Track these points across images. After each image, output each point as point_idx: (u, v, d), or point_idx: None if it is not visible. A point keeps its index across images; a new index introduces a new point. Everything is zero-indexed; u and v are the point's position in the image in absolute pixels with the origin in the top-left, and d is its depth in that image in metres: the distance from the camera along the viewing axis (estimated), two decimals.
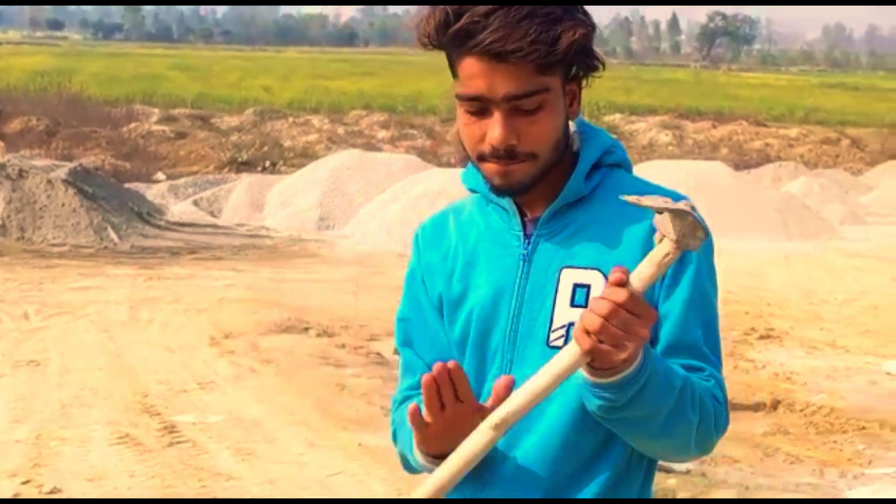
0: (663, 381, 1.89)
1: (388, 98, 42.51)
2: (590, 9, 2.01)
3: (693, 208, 1.78)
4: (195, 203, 19.52)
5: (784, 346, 10.52)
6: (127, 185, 19.77)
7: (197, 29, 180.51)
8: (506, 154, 1.97)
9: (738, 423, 7.85)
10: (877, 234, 18.83)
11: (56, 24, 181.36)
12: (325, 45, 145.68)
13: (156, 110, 34.80)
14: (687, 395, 1.93)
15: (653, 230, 1.97)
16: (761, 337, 10.77)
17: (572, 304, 2.02)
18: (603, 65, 2.05)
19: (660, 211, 1.79)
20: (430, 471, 2.02)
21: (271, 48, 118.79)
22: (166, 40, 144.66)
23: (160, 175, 23.74)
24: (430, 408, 1.93)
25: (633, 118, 38.91)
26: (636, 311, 1.77)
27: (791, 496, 6.69)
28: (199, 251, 15.38)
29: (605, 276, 1.99)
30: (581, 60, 2.01)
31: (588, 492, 2.04)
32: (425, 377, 1.91)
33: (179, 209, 19.04)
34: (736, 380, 9.09)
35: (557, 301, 2.04)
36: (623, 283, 1.78)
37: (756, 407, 8.41)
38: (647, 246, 2.00)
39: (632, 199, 1.82)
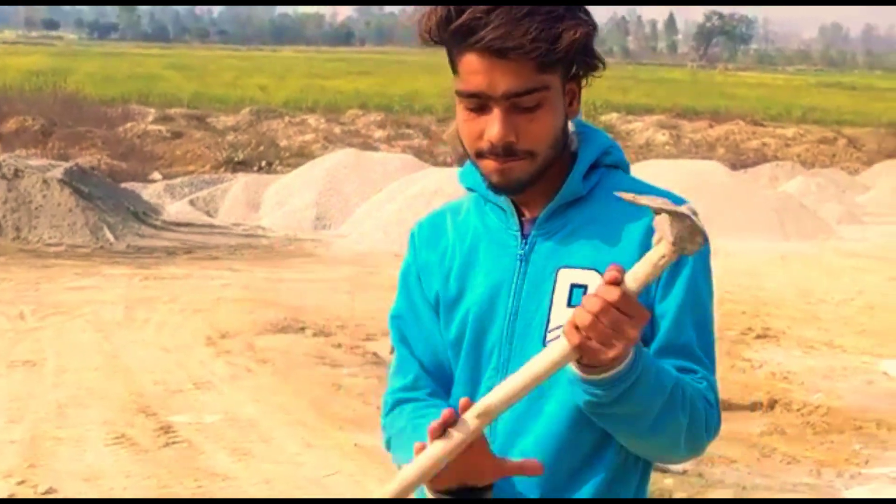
0: (654, 380, 1.88)
1: (384, 97, 42.51)
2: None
3: (694, 212, 1.77)
4: (191, 203, 19.50)
5: (781, 346, 10.51)
6: (123, 185, 19.76)
7: (193, 28, 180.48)
8: (504, 151, 1.97)
9: (734, 423, 7.86)
10: (874, 234, 18.84)
11: (51, 24, 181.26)
12: (321, 44, 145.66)
13: (152, 110, 34.76)
14: (678, 395, 1.93)
15: (650, 231, 1.97)
16: (758, 336, 10.76)
17: (569, 305, 2.02)
18: (603, 64, 2.05)
19: (657, 211, 1.78)
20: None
21: (267, 47, 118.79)
22: (162, 40, 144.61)
23: (156, 175, 23.72)
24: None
25: (629, 118, 38.92)
26: (628, 310, 1.78)
27: (788, 496, 6.69)
28: (196, 251, 15.36)
29: (602, 276, 2.00)
30: (581, 59, 2.01)
31: (585, 491, 2.04)
32: (434, 426, 1.85)
33: (175, 209, 19.02)
34: (733, 379, 9.09)
35: (554, 301, 2.04)
36: (617, 282, 1.78)
37: (753, 407, 8.41)
38: (645, 247, 2.00)
39: (628, 196, 1.82)
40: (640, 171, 18.43)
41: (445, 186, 15.65)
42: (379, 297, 10.88)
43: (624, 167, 2.17)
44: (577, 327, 1.79)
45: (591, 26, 1.97)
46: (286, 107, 38.17)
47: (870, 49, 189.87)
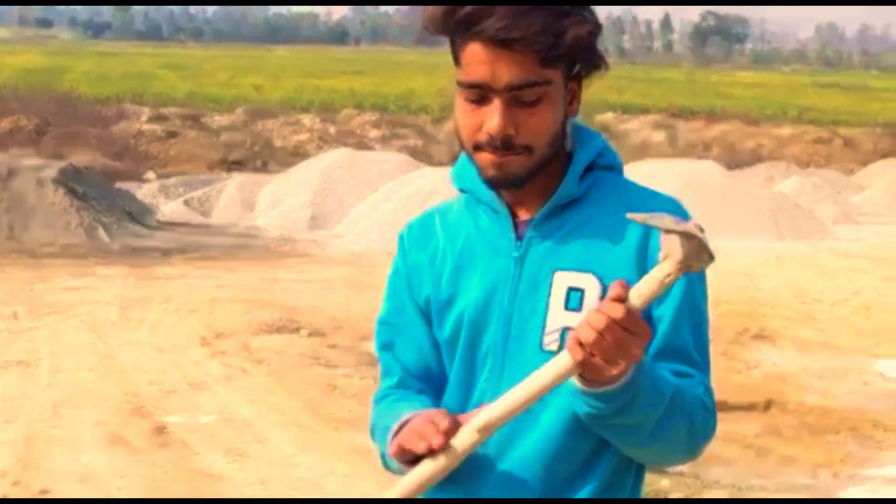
0: (653, 390, 1.88)
1: (379, 97, 42.47)
2: None
3: (701, 229, 1.75)
4: (186, 203, 19.48)
5: (777, 347, 10.51)
6: (117, 185, 19.72)
7: (187, 27, 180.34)
8: (502, 144, 1.96)
9: (730, 424, 7.85)
10: (869, 234, 18.86)
11: (45, 23, 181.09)
12: (316, 43, 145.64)
13: (146, 109, 34.67)
14: (677, 404, 1.92)
15: (647, 235, 1.99)
16: (754, 337, 10.76)
17: (566, 308, 2.01)
18: (606, 65, 2.04)
19: (666, 231, 1.76)
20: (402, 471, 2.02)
21: (262, 47, 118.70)
22: (156, 39, 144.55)
23: (151, 174, 23.70)
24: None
25: (625, 117, 38.91)
26: (632, 328, 1.76)
27: (784, 497, 6.68)
28: (190, 251, 15.34)
29: (599, 280, 2.00)
30: (584, 57, 2.00)
31: (580, 496, 2.03)
32: (437, 443, 1.90)
33: (170, 209, 19.01)
34: (729, 380, 9.08)
35: (551, 304, 2.02)
36: (622, 299, 1.76)
37: (749, 407, 8.40)
38: (642, 251, 2.01)
39: (638, 217, 1.81)
40: (636, 170, 18.43)
41: (441, 186, 15.64)
42: (374, 298, 10.79)
43: (618, 169, 2.15)
44: (580, 343, 1.78)
45: (596, 25, 1.97)
46: (281, 106, 38.11)
47: (866, 49, 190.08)
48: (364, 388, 8.29)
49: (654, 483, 6.50)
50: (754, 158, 29.64)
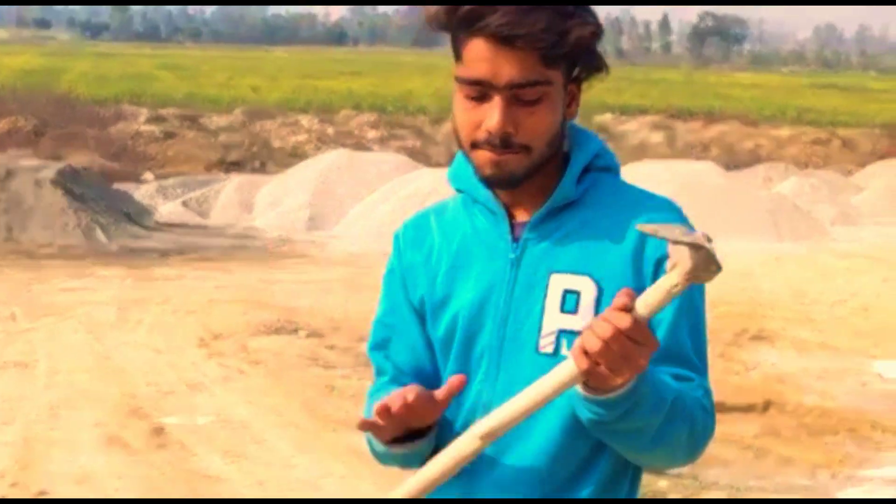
0: (655, 396, 1.87)
1: (377, 98, 42.44)
2: None
3: (709, 240, 1.74)
4: (184, 204, 19.48)
5: (775, 347, 10.51)
6: (115, 186, 19.72)
7: (185, 28, 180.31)
8: (501, 143, 1.95)
9: (729, 425, 7.85)
10: (868, 235, 18.86)
11: (43, 23, 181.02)
12: (314, 44, 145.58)
13: (144, 110, 34.66)
14: (678, 408, 1.92)
15: (643, 239, 1.99)
16: (752, 338, 10.76)
17: (562, 310, 2.01)
18: (606, 68, 2.04)
19: (675, 242, 1.75)
20: (390, 455, 2.06)
21: (260, 48, 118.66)
22: (154, 40, 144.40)
23: (148, 175, 23.68)
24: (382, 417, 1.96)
25: (623, 118, 38.89)
26: (639, 338, 1.75)
27: (782, 497, 6.68)
28: (188, 252, 15.34)
29: (595, 282, 2.00)
30: (586, 59, 2.00)
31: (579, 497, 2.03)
32: (360, 424, 1.96)
33: (168, 210, 19.00)
34: (727, 381, 9.08)
35: (547, 306, 2.02)
36: (628, 309, 1.75)
37: (747, 408, 8.39)
38: (638, 254, 2.01)
39: (649, 229, 1.80)
40: (635, 171, 18.43)
41: (439, 187, 15.64)
42: (372, 299, 10.74)
43: (615, 171, 2.15)
44: (586, 352, 1.77)
45: (598, 27, 1.97)
46: (279, 107, 38.09)
47: (864, 50, 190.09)
48: (362, 389, 8.28)
49: (652, 484, 6.50)
50: (753, 159, 29.63)
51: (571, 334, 1.99)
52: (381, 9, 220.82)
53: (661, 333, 1.99)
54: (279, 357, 9.21)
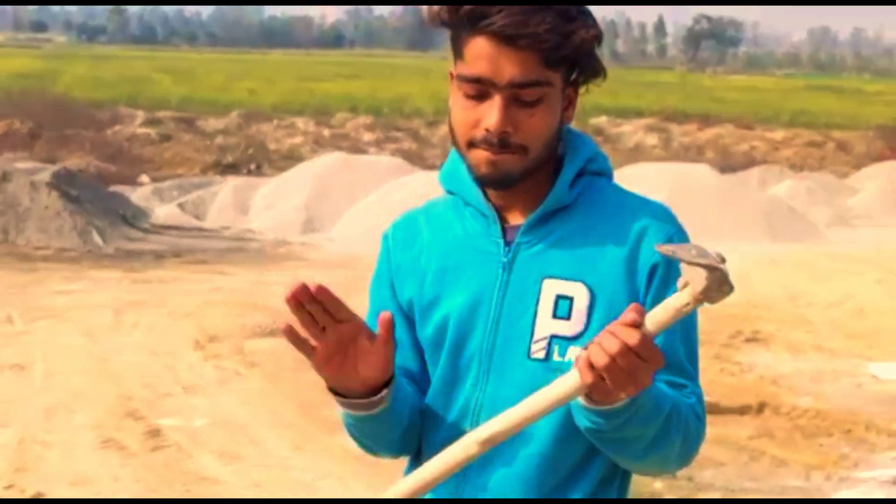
0: (653, 406, 1.87)
1: (373, 101, 42.47)
2: None
3: (723, 260, 1.74)
4: (180, 206, 19.48)
5: (770, 349, 10.52)
6: (111, 188, 19.74)
7: (181, 31, 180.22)
8: (498, 142, 1.95)
9: (724, 427, 7.87)
10: (863, 237, 18.87)
11: (40, 26, 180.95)
12: (310, 47, 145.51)
13: (140, 113, 34.70)
14: (674, 417, 1.92)
15: (638, 245, 1.99)
16: (747, 340, 10.77)
17: (554, 316, 2.00)
18: (604, 72, 2.04)
19: (690, 263, 1.74)
20: (351, 418, 2.04)
21: (256, 50, 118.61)
22: (151, 42, 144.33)
23: (144, 178, 23.69)
24: (306, 328, 1.92)
25: (619, 121, 38.94)
26: (645, 355, 1.74)
27: (777, 499, 6.69)
28: (184, 254, 15.34)
29: (589, 288, 1.99)
30: (585, 63, 2.00)
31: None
32: (286, 295, 1.88)
33: (164, 212, 19.00)
34: (722, 383, 9.10)
35: (539, 312, 2.01)
36: (637, 325, 1.74)
37: (742, 410, 8.40)
38: (632, 260, 2.01)
39: (666, 250, 1.78)
40: (630, 174, 18.45)
41: (435, 190, 15.42)
42: (368, 301, 10.86)
43: (608, 175, 2.14)
44: (591, 365, 1.76)
45: (600, 32, 1.97)
46: (275, 110, 38.13)
47: (858, 52, 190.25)
48: None
49: (648, 485, 6.51)
50: (748, 162, 29.65)
51: (563, 340, 1.99)
52: (378, 11, 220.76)
53: (655, 340, 1.99)
54: (275, 359, 9.20)
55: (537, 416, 1.82)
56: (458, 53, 1.99)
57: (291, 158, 26.51)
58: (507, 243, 2.06)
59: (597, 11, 2.00)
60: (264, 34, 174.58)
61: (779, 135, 37.63)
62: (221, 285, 12.81)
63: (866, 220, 21.45)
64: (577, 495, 2.02)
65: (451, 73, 2.03)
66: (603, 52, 2.04)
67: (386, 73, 64.24)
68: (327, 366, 1.96)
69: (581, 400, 1.85)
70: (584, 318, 1.99)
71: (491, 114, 1.94)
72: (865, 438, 7.94)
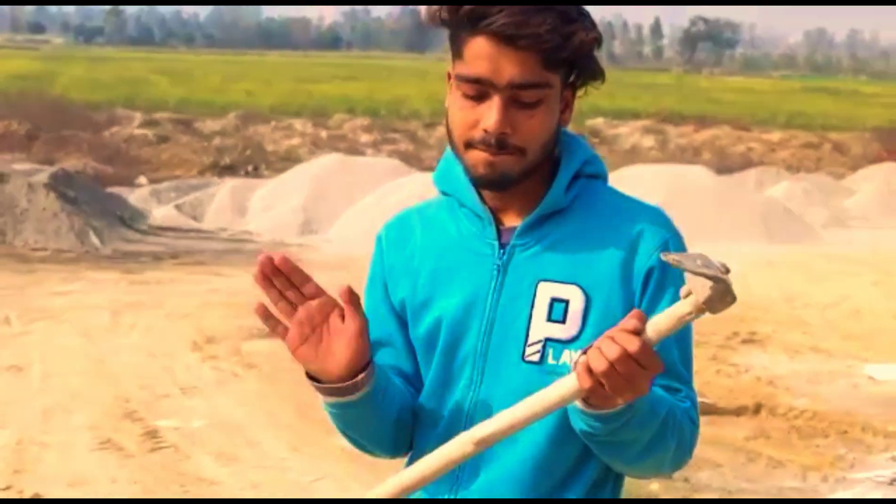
0: (649, 410, 1.87)
1: (371, 102, 42.48)
2: None
3: (727, 270, 1.74)
4: (177, 207, 19.48)
5: (767, 351, 10.53)
6: (109, 190, 19.73)
7: (179, 32, 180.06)
8: (497, 143, 1.94)
9: (720, 428, 7.88)
10: (859, 239, 18.89)
11: (37, 28, 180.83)
12: (307, 48, 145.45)
13: (138, 114, 34.70)
14: (669, 422, 1.93)
15: (633, 250, 1.99)
16: (744, 341, 10.78)
17: (549, 319, 1.99)
18: (603, 75, 2.04)
19: (695, 273, 1.73)
20: (333, 407, 2.03)
21: (254, 52, 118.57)
22: (148, 44, 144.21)
23: (142, 179, 23.69)
24: (277, 306, 1.94)
25: (615, 122, 38.97)
26: (645, 362, 1.74)
27: (774, 499, 6.70)
28: (182, 256, 15.34)
29: (584, 291, 1.99)
30: (584, 65, 2.00)
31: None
32: (254, 273, 1.92)
33: (162, 213, 18.99)
34: (718, 384, 9.11)
35: (534, 315, 2.00)
36: (638, 332, 1.74)
37: (738, 411, 8.41)
38: (627, 264, 2.00)
39: (671, 258, 1.77)
40: (626, 175, 18.46)
41: (432, 191, 15.59)
42: None
43: (603, 178, 2.14)
44: (590, 370, 1.76)
45: (600, 34, 1.97)
46: (273, 111, 38.15)
47: (855, 54, 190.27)
48: None
49: (644, 486, 6.52)
50: (744, 163, 29.67)
51: (558, 343, 1.99)
52: (375, 13, 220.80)
53: None
54: (273, 360, 9.20)
55: (533, 419, 1.82)
56: (456, 53, 1.98)
57: (289, 160, 26.52)
58: (502, 245, 2.05)
59: (593, 12, 2.00)
60: (262, 36, 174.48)
61: (775, 136, 37.65)
62: (219, 287, 12.81)
63: (863, 222, 21.47)
64: (571, 497, 2.02)
65: (449, 73, 2.03)
66: (600, 54, 2.04)
67: (383, 75, 64.24)
68: (302, 347, 1.97)
69: (578, 404, 1.85)
70: (578, 322, 1.98)
71: (490, 114, 1.93)
72: (862, 439, 7.95)
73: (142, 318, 10.89)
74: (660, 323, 1.76)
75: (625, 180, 17.50)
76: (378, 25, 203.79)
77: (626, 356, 1.72)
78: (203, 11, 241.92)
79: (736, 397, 8.74)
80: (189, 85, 49.65)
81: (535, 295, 2.00)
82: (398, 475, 1.90)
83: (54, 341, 9.91)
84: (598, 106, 37.59)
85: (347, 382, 1.97)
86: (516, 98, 1.93)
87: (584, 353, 1.78)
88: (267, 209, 18.93)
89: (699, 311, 1.74)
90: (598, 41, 1.97)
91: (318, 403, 2.10)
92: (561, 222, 2.04)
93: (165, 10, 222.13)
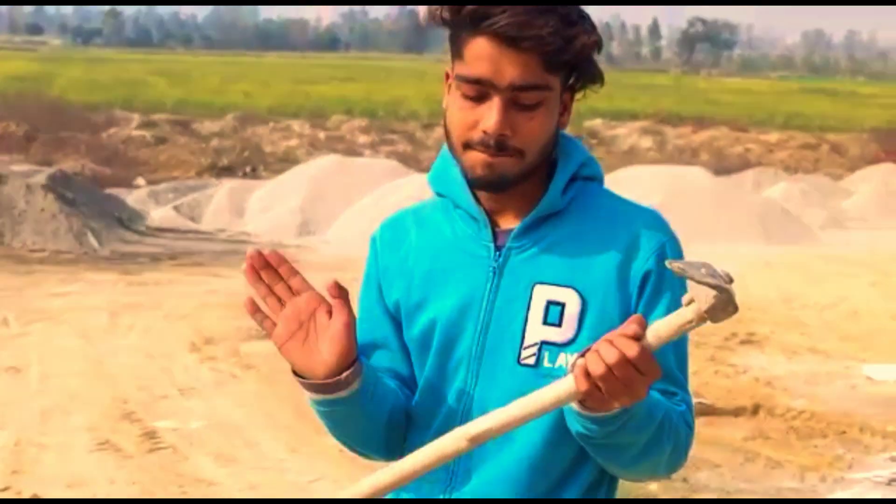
0: (645, 414, 1.87)
1: (369, 103, 42.49)
2: None
3: (730, 280, 1.74)
4: (175, 209, 19.48)
5: (765, 351, 10.53)
6: (107, 191, 19.73)
7: (177, 34, 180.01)
8: (496, 145, 1.93)
9: (718, 428, 7.89)
10: (857, 239, 18.90)
11: (35, 29, 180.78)
12: (305, 50, 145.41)
13: (136, 115, 34.71)
14: (665, 426, 1.92)
15: (630, 253, 1.98)
16: (742, 342, 10.78)
17: (545, 322, 1.98)
18: (602, 79, 2.03)
19: (699, 283, 1.72)
20: (320, 405, 2.03)
21: (252, 53, 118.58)
22: (146, 45, 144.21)
23: (140, 180, 23.69)
24: (265, 300, 1.96)
25: (613, 123, 39.00)
26: (643, 368, 1.73)
27: (772, 499, 6.71)
28: (180, 257, 15.34)
29: (580, 295, 1.97)
30: (584, 69, 1.99)
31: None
32: (243, 267, 1.95)
33: (160, 215, 18.99)
34: (717, 385, 9.11)
35: (530, 318, 1.99)
36: (638, 337, 1.74)
37: (737, 412, 8.42)
38: (624, 268, 1.99)
39: (675, 266, 1.76)
40: (624, 177, 18.48)
41: (430, 192, 15.62)
42: None
43: (599, 180, 2.12)
44: (587, 373, 1.75)
45: (600, 38, 1.97)
46: (271, 112, 38.17)
47: (852, 55, 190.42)
48: None
49: (642, 487, 6.52)
50: (742, 164, 29.71)
51: (554, 347, 1.97)
52: (373, 14, 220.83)
53: None
54: (271, 361, 9.20)
55: (528, 418, 1.81)
56: (457, 53, 1.97)
57: (287, 161, 26.53)
58: (498, 248, 2.04)
59: (591, 13, 2.00)
60: (260, 37, 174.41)
61: (773, 137, 37.69)
62: (217, 288, 12.81)
63: (860, 223, 21.48)
64: (567, 498, 2.02)
65: (448, 73, 2.02)
66: (598, 55, 2.03)
67: (381, 76, 64.25)
68: (289, 343, 1.98)
69: (575, 406, 1.84)
70: (574, 325, 1.97)
71: (490, 115, 1.92)
72: (860, 440, 7.95)
73: (140, 319, 10.89)
74: (660, 329, 1.75)
75: (623, 181, 17.50)
76: (376, 26, 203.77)
77: (624, 361, 1.72)
78: (201, 13, 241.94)
79: (734, 398, 8.75)
80: (187, 86, 49.66)
81: (530, 298, 1.99)
82: (392, 465, 1.89)
83: (52, 342, 9.91)
84: (596, 107, 37.58)
85: (332, 379, 1.96)
86: (516, 100, 1.92)
87: (582, 355, 1.77)
88: (265, 210, 18.93)
89: (701, 319, 1.73)
90: (598, 45, 1.96)
91: None
92: (557, 225, 2.03)
93: (163, 11, 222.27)
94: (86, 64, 67.64)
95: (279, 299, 1.98)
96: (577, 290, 1.98)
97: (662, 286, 1.99)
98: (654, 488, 6.61)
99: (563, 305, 1.98)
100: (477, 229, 2.06)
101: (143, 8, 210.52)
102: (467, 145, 1.97)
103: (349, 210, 17.95)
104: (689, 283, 1.73)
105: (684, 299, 1.74)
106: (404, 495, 2.08)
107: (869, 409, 8.70)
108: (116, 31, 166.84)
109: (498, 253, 2.03)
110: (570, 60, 1.94)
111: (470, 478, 2.02)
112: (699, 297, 1.72)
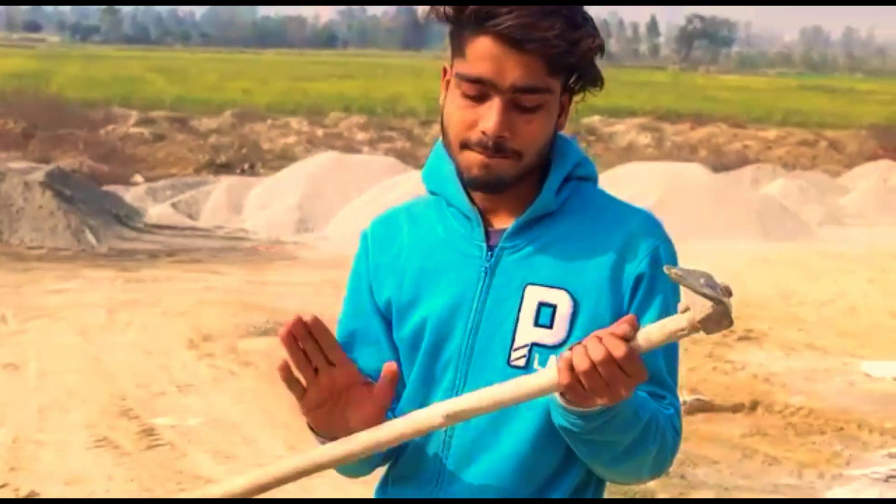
0: (631, 414, 1.86)
1: (367, 100, 42.45)
2: None
3: (729, 293, 1.73)
4: (173, 205, 19.47)
5: (763, 348, 10.54)
6: (105, 188, 19.73)
7: (175, 31, 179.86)
8: (494, 146, 1.92)
9: (716, 425, 7.90)
10: (855, 236, 18.90)
11: (33, 26, 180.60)
12: (303, 47, 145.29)
13: (134, 112, 34.65)
14: (651, 427, 1.91)
15: (623, 256, 1.98)
16: (740, 338, 10.78)
17: (536, 324, 1.97)
18: (602, 82, 2.02)
19: (696, 293, 1.71)
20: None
21: (250, 50, 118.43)
22: (144, 42, 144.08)
23: (138, 177, 23.66)
24: (300, 368, 1.91)
25: (611, 120, 38.95)
26: (629, 369, 1.72)
27: (770, 497, 6.71)
28: (178, 254, 15.34)
29: (572, 296, 1.97)
30: (586, 71, 1.98)
31: None
32: (281, 332, 1.87)
33: (157, 211, 18.98)
34: (715, 381, 9.12)
35: (521, 319, 1.98)
36: (628, 338, 1.73)
37: (735, 408, 8.43)
38: (617, 270, 1.98)
39: (674, 274, 1.74)
40: (623, 173, 18.48)
41: None
42: None
43: (594, 180, 2.12)
44: (572, 368, 1.74)
45: (602, 41, 1.96)
46: (269, 109, 38.11)
47: (850, 52, 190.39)
48: None
49: (641, 484, 6.52)
50: (740, 161, 29.68)
51: (544, 348, 1.97)
52: (371, 11, 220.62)
53: None
54: (269, 358, 9.20)
55: (507, 403, 1.80)
56: (458, 51, 1.96)
57: (285, 158, 26.49)
58: (490, 247, 2.03)
59: (590, 11, 1.99)
60: (258, 34, 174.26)
61: (771, 134, 37.66)
62: (215, 284, 12.80)
63: (858, 219, 21.47)
64: (555, 498, 2.01)
65: (446, 69, 2.01)
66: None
67: (379, 73, 64.20)
68: (316, 410, 1.96)
69: (558, 398, 1.83)
70: (566, 327, 1.97)
71: (489, 116, 1.91)
72: (858, 436, 7.96)
73: (138, 315, 10.88)
74: (651, 333, 1.74)
75: (621, 178, 17.51)
76: (374, 24, 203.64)
77: (610, 360, 1.71)
78: (199, 10, 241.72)
79: (732, 394, 8.75)
80: (185, 83, 49.60)
81: (522, 299, 1.98)
82: (368, 432, 1.88)
83: (50, 339, 9.91)
84: (593, 104, 37.18)
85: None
86: (517, 102, 1.91)
87: (571, 349, 1.76)
88: (263, 207, 18.92)
89: (694, 329, 1.72)
90: (601, 47, 1.96)
91: None
92: (550, 225, 2.03)
93: (161, 8, 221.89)
94: (84, 61, 67.55)
95: (310, 362, 1.93)
96: (568, 292, 1.97)
97: (655, 290, 1.98)
98: (651, 485, 6.61)
99: (554, 307, 1.97)
100: (470, 228, 2.05)
101: (141, 5, 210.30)
102: (465, 145, 1.96)
103: (347, 207, 17.94)
104: (686, 291, 1.72)
105: (680, 307, 1.73)
106: (392, 495, 2.08)
107: (867, 405, 8.70)
108: (114, 28, 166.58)
109: (490, 253, 2.02)
110: (574, 64, 1.94)
111: (457, 478, 2.00)
112: (695, 306, 1.71)
